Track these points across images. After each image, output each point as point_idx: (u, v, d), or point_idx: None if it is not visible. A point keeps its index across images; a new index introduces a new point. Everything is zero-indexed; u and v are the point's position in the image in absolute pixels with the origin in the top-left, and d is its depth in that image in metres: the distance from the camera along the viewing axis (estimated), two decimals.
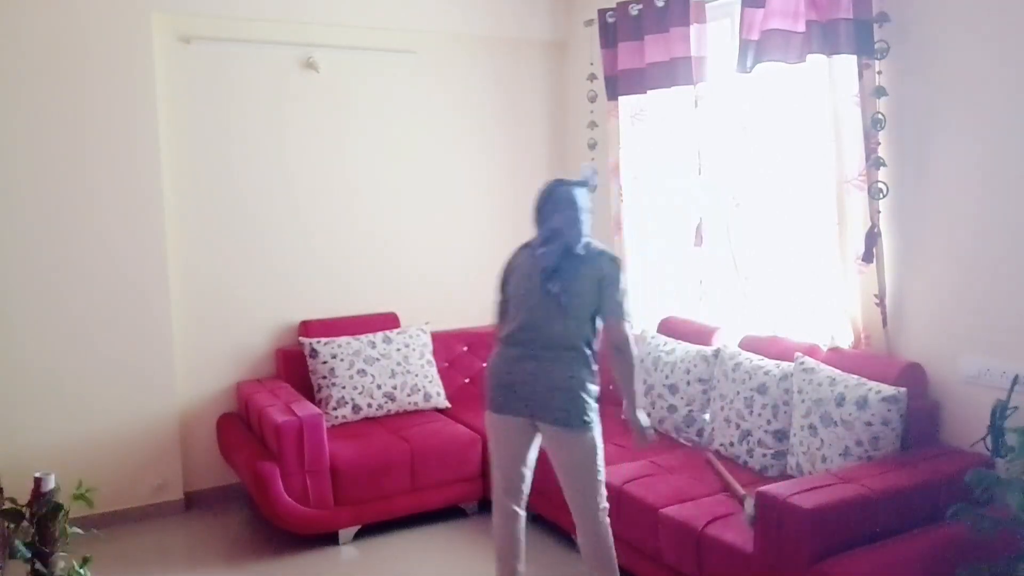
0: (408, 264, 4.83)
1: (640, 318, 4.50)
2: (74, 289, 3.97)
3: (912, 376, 3.10)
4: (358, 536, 3.90)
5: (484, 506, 4.19)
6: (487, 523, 4.01)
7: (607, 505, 2.99)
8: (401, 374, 4.33)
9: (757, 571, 2.73)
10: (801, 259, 3.54)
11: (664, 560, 3.14)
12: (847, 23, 3.21)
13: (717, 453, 3.60)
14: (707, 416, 3.76)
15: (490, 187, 5.06)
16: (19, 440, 3.87)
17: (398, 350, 4.38)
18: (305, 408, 3.82)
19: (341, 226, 4.63)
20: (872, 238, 3.26)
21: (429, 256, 4.90)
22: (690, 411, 3.81)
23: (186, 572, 3.73)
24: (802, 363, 3.32)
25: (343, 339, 4.31)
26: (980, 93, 2.94)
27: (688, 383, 3.81)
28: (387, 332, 4.44)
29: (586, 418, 2.86)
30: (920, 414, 3.07)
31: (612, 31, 4.37)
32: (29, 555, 2.08)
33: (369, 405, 4.24)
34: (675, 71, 4.01)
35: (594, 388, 2.92)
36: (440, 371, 4.67)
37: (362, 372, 4.25)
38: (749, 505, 2.95)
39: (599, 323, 2.92)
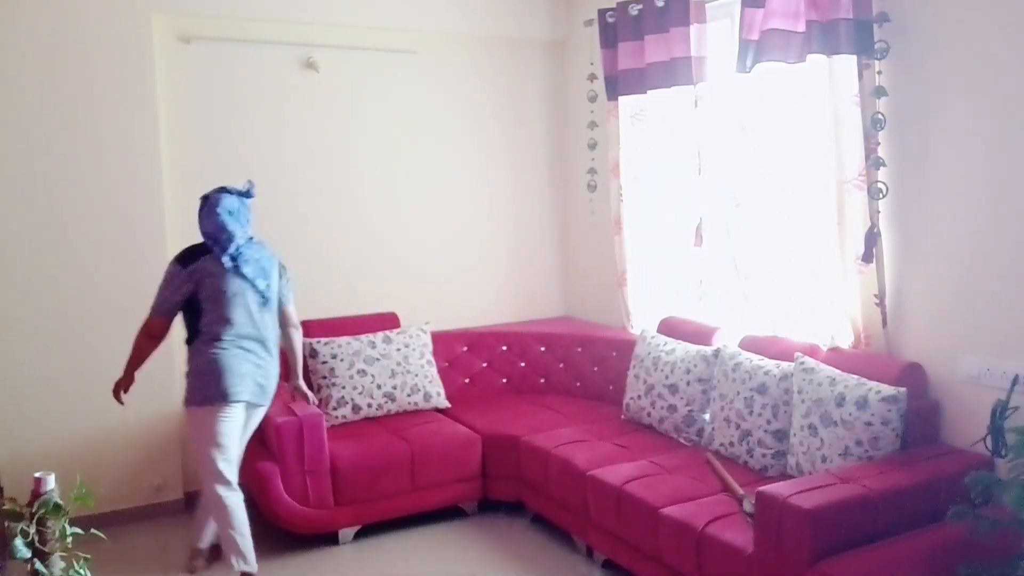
0: (408, 264, 4.84)
1: (640, 318, 4.52)
2: (74, 290, 3.97)
3: (912, 376, 3.11)
4: (358, 536, 3.90)
5: (484, 506, 4.20)
6: (487, 523, 4.06)
7: None
8: (401, 374, 4.32)
9: (757, 571, 2.73)
10: (801, 259, 3.54)
11: (664, 560, 3.14)
12: (847, 23, 3.21)
13: (717, 453, 3.60)
14: (707, 416, 3.76)
15: (490, 187, 5.06)
16: (19, 440, 3.87)
17: (398, 350, 4.37)
18: (304, 408, 3.81)
19: (341, 226, 4.64)
20: (872, 238, 3.26)
21: (429, 256, 4.90)
22: (690, 411, 3.81)
23: (185, 572, 3.73)
24: (802, 363, 3.32)
25: (343, 339, 4.30)
26: (980, 93, 2.94)
27: (688, 383, 3.81)
28: (387, 332, 4.44)
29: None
30: (920, 414, 3.07)
31: (612, 31, 4.37)
32: (29, 555, 2.07)
33: (369, 405, 4.23)
34: (675, 71, 4.02)
35: None
36: (440, 371, 4.66)
37: (362, 372, 4.24)
38: (748, 505, 2.96)
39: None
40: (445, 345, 4.74)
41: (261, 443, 3.89)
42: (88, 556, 2.16)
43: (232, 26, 4.28)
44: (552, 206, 5.27)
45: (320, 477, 3.76)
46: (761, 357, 3.56)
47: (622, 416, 4.18)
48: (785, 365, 3.43)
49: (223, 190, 3.42)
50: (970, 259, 3.02)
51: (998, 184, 2.91)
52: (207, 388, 3.32)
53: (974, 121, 2.97)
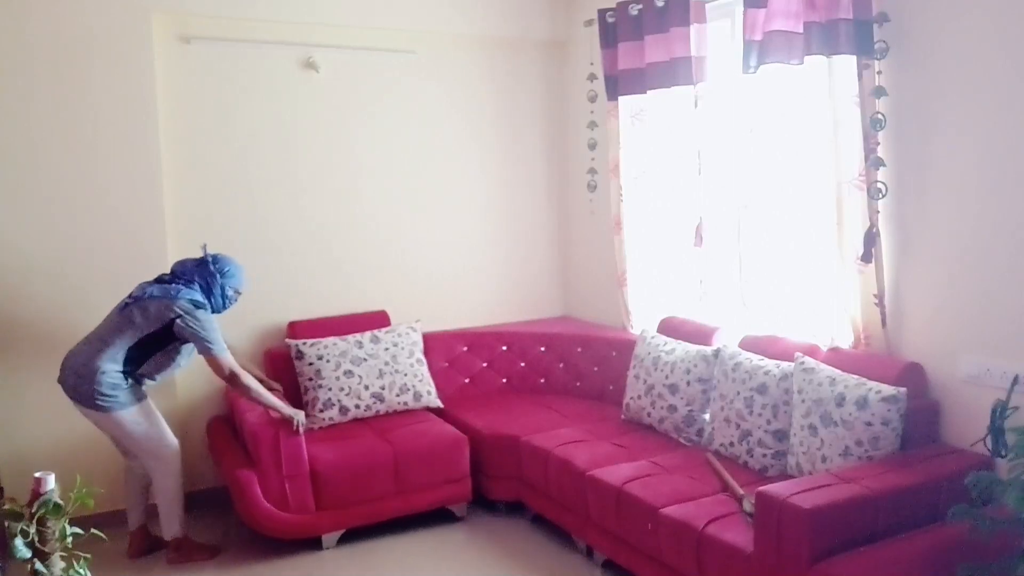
0: (408, 264, 4.83)
1: (640, 318, 4.52)
2: (74, 290, 3.97)
3: (912, 376, 3.11)
4: (344, 540, 3.83)
5: (474, 508, 4.19)
6: (478, 525, 4.01)
7: None
8: (389, 374, 4.27)
9: (757, 571, 2.73)
10: (801, 259, 3.54)
11: (664, 560, 3.14)
12: (847, 23, 3.21)
13: (717, 453, 3.60)
14: (707, 416, 3.76)
15: (490, 186, 5.06)
16: (19, 440, 3.87)
17: (386, 349, 4.32)
18: (288, 411, 3.71)
19: (341, 225, 4.63)
20: (871, 238, 3.26)
21: (429, 255, 4.90)
22: (690, 411, 3.81)
23: (182, 573, 3.73)
24: (802, 363, 3.32)
25: (329, 340, 4.26)
26: (980, 93, 2.94)
27: (688, 383, 3.81)
28: (375, 332, 4.39)
29: (96, 400, 3.59)
30: (920, 414, 3.07)
31: (612, 31, 4.37)
32: (29, 555, 2.07)
33: (357, 406, 4.18)
34: (675, 71, 4.02)
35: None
36: (440, 371, 4.67)
37: (348, 373, 4.19)
38: (748, 505, 2.96)
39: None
40: (445, 345, 4.74)
41: (245, 447, 3.86)
42: (88, 556, 2.16)
43: (232, 26, 4.28)
44: (552, 206, 5.27)
45: (299, 481, 3.69)
46: (761, 357, 3.56)
47: (622, 416, 4.18)
48: (785, 365, 3.43)
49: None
50: (970, 259, 3.02)
51: (998, 184, 2.91)
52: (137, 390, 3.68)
53: (974, 121, 2.97)
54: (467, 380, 4.77)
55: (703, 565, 2.95)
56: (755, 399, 3.46)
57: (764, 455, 3.40)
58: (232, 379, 3.59)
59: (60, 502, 2.10)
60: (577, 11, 4.89)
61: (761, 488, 2.79)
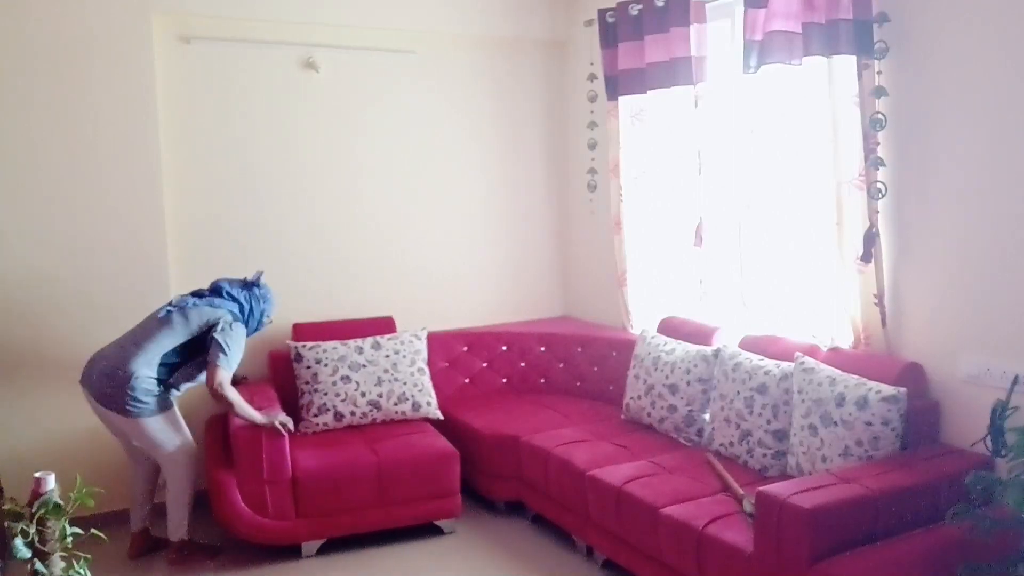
0: (408, 263, 4.83)
1: (640, 318, 4.52)
2: (74, 289, 3.97)
3: (912, 376, 3.11)
4: (325, 550, 3.75)
5: (474, 508, 4.17)
6: (465, 541, 3.92)
7: None
8: (388, 382, 4.17)
9: (757, 571, 2.73)
10: (801, 259, 3.54)
11: (664, 560, 3.14)
12: (847, 23, 3.21)
13: (717, 453, 3.60)
14: (707, 416, 3.76)
15: (490, 186, 5.06)
16: (19, 440, 3.87)
17: (387, 356, 4.22)
18: (276, 415, 3.68)
19: (341, 225, 4.64)
20: (871, 238, 3.26)
21: (429, 255, 4.90)
22: (690, 411, 3.81)
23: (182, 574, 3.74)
24: (802, 363, 3.32)
25: (329, 344, 4.19)
26: (979, 93, 2.94)
27: (688, 383, 3.81)
28: (378, 337, 4.30)
29: (126, 405, 3.57)
30: (920, 414, 3.07)
31: (612, 31, 4.37)
32: (29, 555, 2.08)
33: (352, 413, 4.09)
34: (675, 71, 4.02)
35: None
36: (440, 371, 4.66)
37: (346, 379, 4.11)
38: (748, 505, 2.96)
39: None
40: (445, 345, 4.73)
41: (222, 450, 3.84)
42: (88, 556, 2.16)
43: (232, 26, 4.28)
44: (552, 206, 5.27)
45: (280, 487, 3.63)
46: (761, 357, 3.56)
47: (622, 416, 4.18)
48: (785, 365, 3.43)
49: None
50: (970, 259, 3.02)
51: (997, 183, 2.91)
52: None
53: (973, 121, 2.97)
54: (467, 380, 4.77)
55: (703, 565, 2.95)
56: (755, 399, 3.46)
57: (764, 455, 3.40)
58: (218, 391, 3.58)
59: (60, 502, 2.10)
60: (577, 11, 4.89)
61: (761, 488, 2.79)
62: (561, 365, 4.75)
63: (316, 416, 4.08)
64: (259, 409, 3.71)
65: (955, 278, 3.07)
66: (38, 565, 2.09)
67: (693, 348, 3.88)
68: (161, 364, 3.59)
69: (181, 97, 4.21)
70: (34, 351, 3.92)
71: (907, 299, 3.26)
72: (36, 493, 2.10)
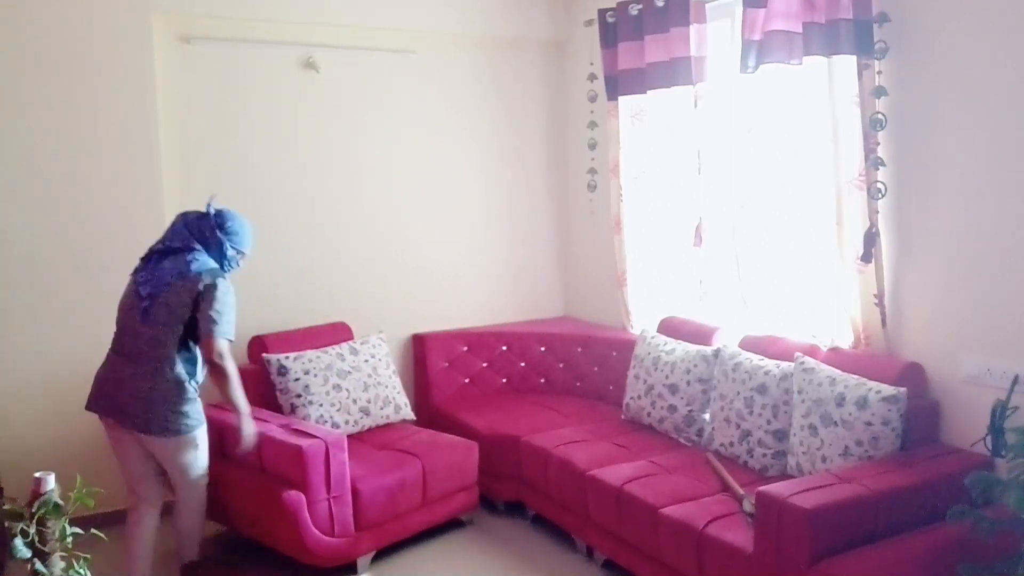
0: (408, 263, 4.83)
1: (640, 318, 4.52)
2: (74, 289, 3.96)
3: (912, 376, 3.11)
4: (372, 562, 3.69)
5: (483, 506, 4.17)
6: (479, 525, 3.95)
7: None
8: (373, 387, 4.12)
9: (757, 571, 2.73)
10: (801, 259, 3.54)
11: (664, 560, 3.14)
12: (847, 23, 3.21)
13: (717, 453, 3.60)
14: (707, 416, 3.76)
15: (490, 186, 5.06)
16: (19, 440, 3.87)
17: (366, 361, 4.16)
18: (316, 428, 3.61)
19: (341, 225, 4.63)
20: (871, 238, 3.26)
21: (429, 255, 4.89)
22: (690, 411, 3.81)
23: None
24: (802, 363, 3.32)
25: (311, 353, 4.05)
26: (980, 93, 2.94)
27: (688, 383, 3.81)
28: (351, 343, 4.23)
29: (171, 425, 3.19)
30: (920, 414, 3.07)
31: (612, 31, 4.37)
32: (29, 555, 2.07)
33: (347, 422, 4.00)
34: (675, 71, 4.02)
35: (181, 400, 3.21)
36: (440, 371, 4.67)
37: (337, 387, 4.01)
38: (748, 505, 2.96)
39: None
40: (445, 345, 4.73)
41: (262, 474, 3.59)
42: (88, 556, 2.16)
43: (232, 26, 4.28)
44: (552, 206, 5.27)
45: (343, 503, 3.50)
46: (761, 357, 3.56)
47: (622, 416, 4.18)
48: (785, 365, 3.43)
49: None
50: (970, 259, 3.02)
51: (998, 183, 2.91)
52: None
53: (973, 121, 2.97)
54: (467, 380, 4.77)
55: (703, 565, 2.95)
56: (755, 399, 3.46)
57: (764, 455, 3.40)
58: (218, 361, 3.15)
59: (60, 502, 2.10)
60: (577, 11, 4.88)
61: (761, 488, 2.79)
62: (561, 365, 4.75)
63: None
64: (288, 427, 3.59)
65: (955, 278, 3.07)
66: (38, 565, 2.08)
67: (693, 348, 3.88)
68: (184, 363, 3.21)
69: (181, 97, 4.21)
70: (34, 351, 3.91)
71: (907, 299, 3.26)
72: (36, 493, 2.10)
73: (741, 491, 3.15)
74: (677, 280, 4.32)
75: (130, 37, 3.98)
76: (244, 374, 3.97)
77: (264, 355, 4.03)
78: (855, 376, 3.14)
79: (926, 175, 3.14)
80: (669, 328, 4.18)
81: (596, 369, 4.61)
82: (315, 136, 4.53)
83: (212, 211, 3.31)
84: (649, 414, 3.97)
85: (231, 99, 4.33)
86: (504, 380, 4.81)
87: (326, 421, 3.96)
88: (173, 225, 3.37)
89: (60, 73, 3.87)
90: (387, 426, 4.18)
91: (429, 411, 4.60)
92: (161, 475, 3.42)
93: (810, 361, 3.32)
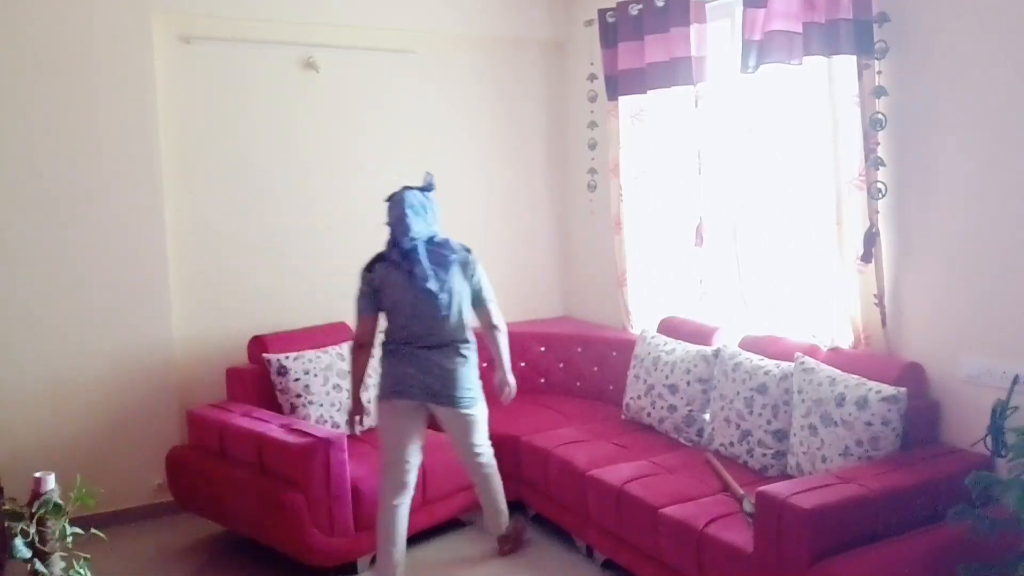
0: None
1: (640, 318, 4.52)
2: (74, 290, 3.96)
3: (912, 376, 3.11)
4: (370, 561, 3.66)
5: (482, 513, 4.15)
6: (465, 541, 3.91)
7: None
8: (373, 387, 4.00)
9: (757, 571, 2.73)
10: (801, 259, 3.54)
11: (664, 560, 3.14)
12: (847, 23, 3.21)
13: (717, 453, 3.60)
14: (707, 416, 3.76)
15: (490, 187, 5.06)
16: (19, 440, 3.87)
17: None
18: (316, 428, 3.61)
19: (341, 225, 4.62)
20: (871, 238, 3.26)
21: None
22: (690, 411, 3.81)
23: (186, 572, 3.73)
24: (802, 363, 3.32)
25: (311, 353, 4.03)
26: (980, 93, 2.94)
27: (688, 383, 3.81)
28: (351, 343, 4.19)
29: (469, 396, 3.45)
30: (920, 414, 3.07)
31: (612, 31, 4.37)
32: (29, 555, 2.08)
33: (347, 422, 3.92)
34: (675, 71, 4.02)
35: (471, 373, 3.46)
36: None
37: (337, 387, 3.99)
38: (748, 505, 2.96)
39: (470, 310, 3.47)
40: None
41: (261, 474, 3.58)
42: (88, 556, 2.16)
43: (232, 26, 4.28)
44: (552, 206, 5.27)
45: (343, 503, 3.48)
46: (761, 357, 3.56)
47: (622, 416, 4.18)
48: (785, 365, 3.43)
49: (405, 188, 3.42)
50: (970, 259, 3.02)
51: (998, 183, 2.91)
52: (380, 385, 3.44)
53: (974, 121, 2.97)
54: None
55: (703, 565, 2.95)
56: (755, 399, 3.46)
57: (764, 455, 3.40)
58: (499, 324, 3.57)
59: (60, 502, 2.10)
60: (577, 11, 4.88)
61: (761, 488, 2.79)
62: (561, 365, 4.75)
63: None
64: (287, 426, 3.61)
65: (955, 278, 3.07)
66: (38, 565, 2.09)
67: (693, 348, 3.88)
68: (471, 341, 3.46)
69: (181, 97, 4.21)
70: (34, 351, 3.91)
71: (907, 299, 3.26)
72: (36, 493, 2.10)
73: (741, 491, 3.15)
74: (677, 280, 4.32)
75: (130, 37, 3.98)
76: (244, 374, 4.03)
77: (264, 355, 4.02)
78: (855, 376, 3.14)
79: (926, 175, 3.14)
80: (669, 328, 4.18)
81: (596, 369, 4.61)
82: (315, 136, 4.53)
83: (430, 182, 3.47)
84: (649, 414, 3.97)
85: (231, 99, 4.33)
86: None
87: (326, 421, 3.95)
88: (403, 215, 3.35)
89: (60, 73, 3.87)
90: None
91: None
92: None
93: (810, 361, 3.32)
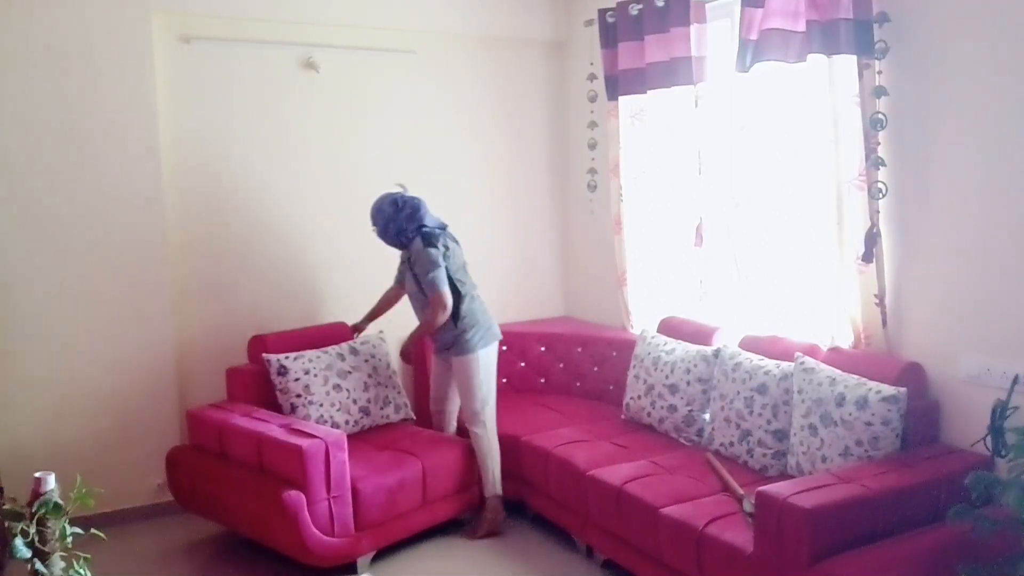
0: None
1: (640, 318, 4.52)
2: (74, 289, 3.96)
3: (912, 376, 3.11)
4: (372, 562, 3.67)
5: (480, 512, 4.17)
6: (465, 541, 3.91)
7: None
8: (373, 386, 4.13)
9: (757, 571, 2.73)
10: (801, 259, 3.54)
11: (664, 560, 3.14)
12: (847, 23, 3.21)
13: (717, 453, 3.60)
14: (707, 416, 3.76)
15: (490, 187, 5.06)
16: (19, 440, 3.87)
17: (366, 361, 4.16)
18: (316, 428, 3.61)
19: (341, 225, 4.62)
20: (872, 238, 3.26)
21: None
22: (690, 411, 3.81)
23: (186, 572, 3.73)
24: (802, 363, 3.32)
25: (311, 353, 4.04)
26: (980, 92, 2.94)
27: (688, 383, 3.81)
28: (351, 343, 4.21)
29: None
30: (920, 414, 3.07)
31: (612, 31, 4.37)
32: (29, 555, 2.08)
33: (347, 422, 3.99)
34: (675, 71, 4.02)
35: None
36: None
37: (337, 387, 4.00)
38: (748, 505, 2.96)
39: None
40: None
41: (260, 474, 3.57)
42: (88, 556, 2.16)
43: (232, 26, 4.28)
44: (552, 206, 5.27)
45: (343, 502, 3.49)
46: (761, 357, 3.56)
47: (622, 416, 4.18)
48: (785, 365, 3.43)
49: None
50: (970, 259, 3.02)
51: (998, 184, 2.91)
52: (488, 329, 4.11)
53: (974, 121, 2.97)
54: None
55: (703, 565, 2.95)
56: (755, 399, 3.46)
57: (764, 455, 3.40)
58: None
59: (60, 502, 2.10)
60: (577, 11, 4.88)
61: (761, 488, 2.79)
62: (561, 365, 4.75)
63: None
64: (288, 427, 3.62)
65: (955, 278, 3.07)
66: (38, 565, 2.09)
67: (693, 348, 3.88)
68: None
69: (181, 97, 4.21)
70: (34, 351, 3.91)
71: (907, 299, 3.26)
72: (36, 493, 2.10)
73: (741, 491, 3.15)
74: (677, 280, 4.32)
75: (130, 37, 3.98)
76: (244, 374, 4.04)
77: (264, 355, 4.01)
78: (855, 376, 3.14)
79: (926, 175, 3.14)
80: (669, 328, 4.18)
81: (596, 369, 4.61)
82: (315, 136, 4.53)
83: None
84: (649, 414, 3.97)
85: (231, 99, 4.32)
86: (504, 380, 4.80)
87: (326, 421, 3.95)
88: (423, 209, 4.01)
89: (60, 73, 3.87)
90: (387, 426, 4.18)
91: (429, 411, 4.59)
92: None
93: (810, 361, 3.32)
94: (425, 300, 3.90)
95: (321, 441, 3.45)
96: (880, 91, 3.16)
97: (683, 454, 3.66)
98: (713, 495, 3.23)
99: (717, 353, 3.76)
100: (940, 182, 3.09)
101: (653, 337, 4.10)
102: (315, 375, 3.98)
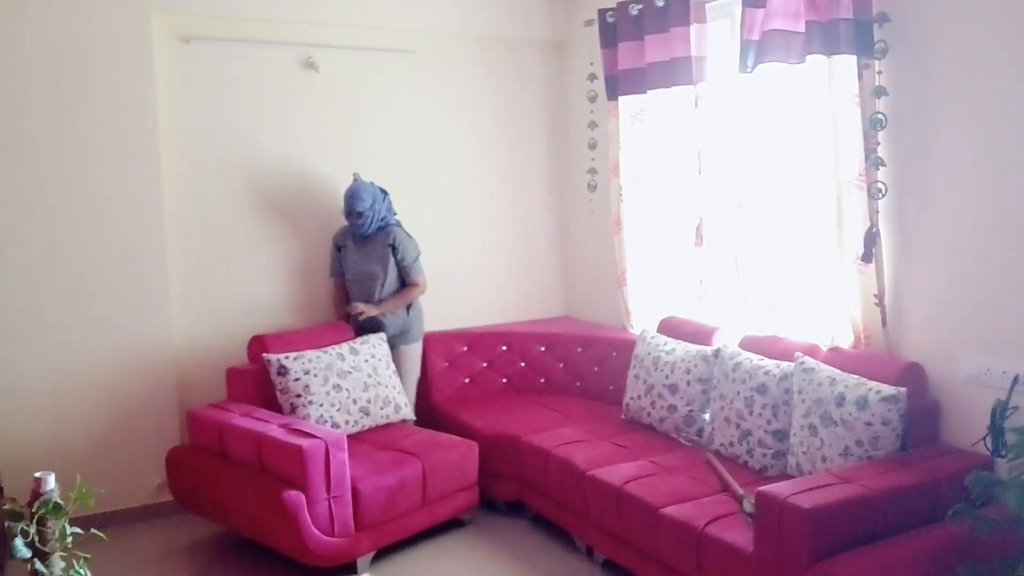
0: None
1: (640, 318, 4.52)
2: (74, 290, 3.96)
3: (912, 376, 3.11)
4: (372, 562, 3.67)
5: (484, 506, 4.18)
6: (478, 525, 3.97)
7: None
8: (373, 386, 4.10)
9: (757, 571, 2.73)
10: (801, 259, 3.54)
11: (664, 560, 3.14)
12: (847, 23, 3.21)
13: (717, 453, 3.60)
14: (707, 416, 3.76)
15: (490, 187, 5.06)
16: (19, 440, 3.86)
17: (366, 361, 4.14)
18: (316, 428, 3.62)
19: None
20: (872, 238, 3.26)
21: (429, 255, 4.88)
22: (690, 411, 3.81)
23: (186, 572, 3.73)
24: (802, 363, 3.32)
25: (311, 353, 4.03)
26: (980, 93, 2.94)
27: (688, 383, 3.81)
28: (351, 343, 4.19)
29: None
30: (920, 414, 3.07)
31: (612, 31, 4.37)
32: (29, 555, 2.08)
33: (347, 422, 3.98)
34: (675, 71, 4.02)
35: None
36: (440, 371, 4.66)
37: (337, 387, 3.98)
38: (748, 505, 2.96)
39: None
40: (445, 345, 4.73)
41: (261, 474, 3.56)
42: (88, 556, 2.16)
43: (232, 26, 4.28)
44: (552, 206, 5.28)
45: (343, 503, 3.49)
46: (761, 357, 3.56)
47: (622, 416, 4.18)
48: (785, 365, 3.43)
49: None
50: (970, 258, 3.02)
51: (998, 183, 2.91)
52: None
53: (974, 121, 2.97)
54: (467, 380, 4.77)
55: (703, 565, 2.95)
56: (755, 399, 3.46)
57: (764, 455, 3.40)
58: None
59: (60, 502, 2.10)
60: (577, 11, 4.88)
61: (761, 488, 2.79)
62: (561, 365, 4.75)
63: None
64: (288, 427, 3.62)
65: (955, 278, 3.07)
66: (38, 565, 2.09)
67: (693, 348, 3.88)
68: None
69: (181, 97, 4.21)
70: (34, 351, 3.91)
71: (907, 299, 3.26)
72: (36, 493, 2.10)
73: (741, 491, 3.15)
74: (677, 280, 4.32)
75: (130, 37, 3.98)
76: (244, 374, 4.04)
77: (264, 355, 4.01)
78: (855, 376, 3.14)
79: (926, 175, 3.14)
80: (669, 328, 4.18)
81: (596, 369, 4.61)
82: (315, 136, 4.53)
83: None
84: (649, 414, 3.97)
85: (231, 99, 4.32)
86: (504, 380, 4.81)
87: (326, 421, 3.95)
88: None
89: (60, 73, 3.87)
90: (387, 426, 4.17)
91: (429, 411, 4.60)
92: None
93: (810, 361, 3.32)
94: (382, 281, 4.32)
95: (321, 441, 3.45)
96: (880, 91, 3.16)
97: (683, 454, 3.66)
98: (713, 495, 3.23)
99: (717, 353, 3.76)
100: (940, 182, 3.10)
101: (653, 337, 4.10)
102: (315, 375, 3.98)
